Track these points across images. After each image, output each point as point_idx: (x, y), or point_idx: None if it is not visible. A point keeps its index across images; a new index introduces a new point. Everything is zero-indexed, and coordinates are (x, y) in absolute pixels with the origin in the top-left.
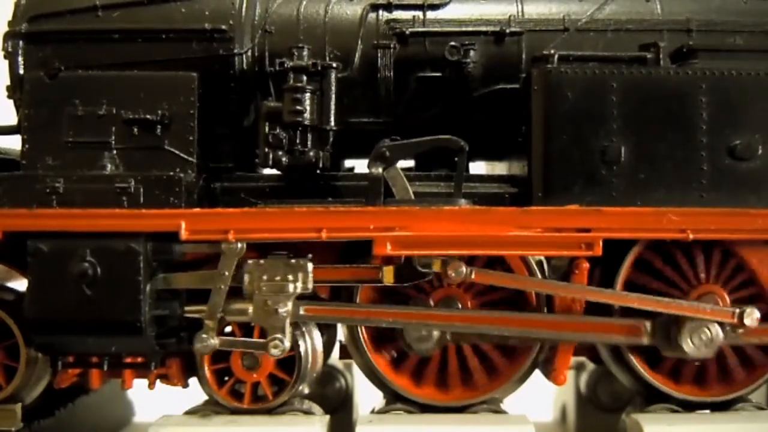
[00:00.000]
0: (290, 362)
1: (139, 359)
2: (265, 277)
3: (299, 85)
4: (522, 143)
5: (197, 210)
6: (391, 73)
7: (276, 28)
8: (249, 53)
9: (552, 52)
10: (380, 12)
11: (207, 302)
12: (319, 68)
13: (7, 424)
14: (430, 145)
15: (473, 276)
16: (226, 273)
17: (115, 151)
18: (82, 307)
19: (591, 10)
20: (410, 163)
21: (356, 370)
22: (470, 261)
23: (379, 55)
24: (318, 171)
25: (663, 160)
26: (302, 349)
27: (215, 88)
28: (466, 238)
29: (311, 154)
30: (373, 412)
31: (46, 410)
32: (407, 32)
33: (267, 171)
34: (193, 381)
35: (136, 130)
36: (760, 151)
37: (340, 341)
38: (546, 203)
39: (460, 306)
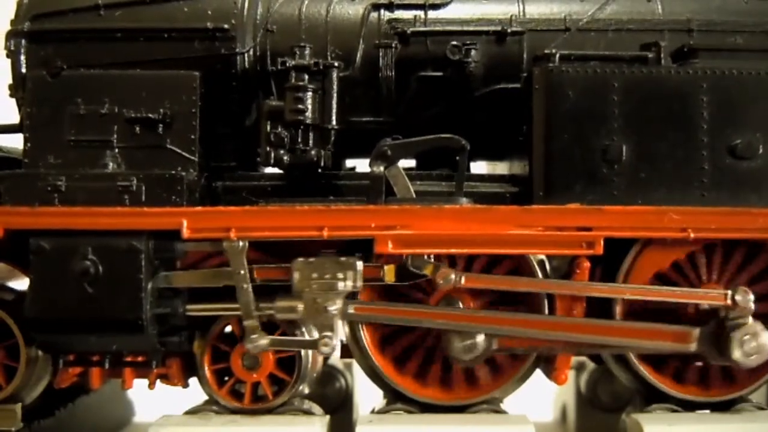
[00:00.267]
0: (290, 362)
1: (140, 358)
2: (314, 275)
3: (301, 84)
4: (523, 142)
5: (199, 208)
6: (393, 73)
7: (278, 28)
8: (251, 52)
9: (553, 51)
10: (382, 11)
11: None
12: (321, 67)
13: (7, 424)
14: (431, 144)
15: (463, 282)
16: (242, 271)
17: (117, 150)
18: (84, 304)
19: (592, 10)
20: (411, 162)
21: (356, 369)
22: (471, 260)
23: (380, 54)
24: (319, 170)
25: (664, 159)
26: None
27: (217, 87)
28: (467, 236)
29: (313, 153)
30: (373, 412)
31: (46, 410)
32: (409, 32)
33: (268, 170)
34: (193, 381)
35: (138, 128)
36: (760, 151)
37: (342, 341)
38: (547, 202)
39: (461, 305)
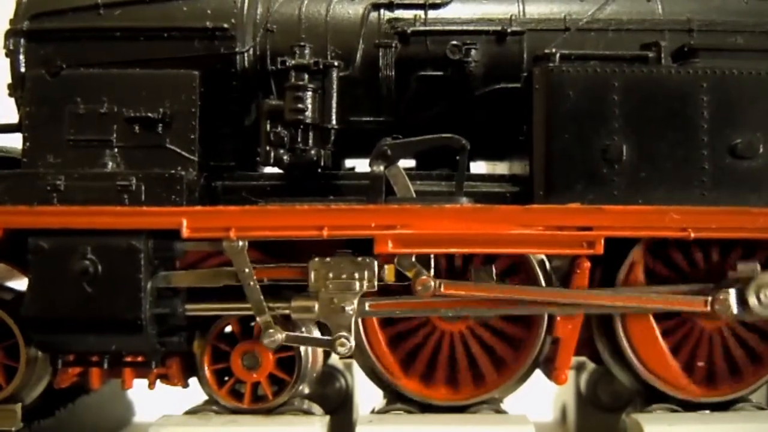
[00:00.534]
0: (290, 362)
1: (140, 358)
2: (331, 275)
3: (301, 83)
4: (523, 142)
5: (198, 208)
6: (393, 72)
7: (278, 27)
8: (251, 52)
9: (553, 51)
10: (382, 11)
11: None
12: (321, 67)
13: (7, 424)
14: (431, 143)
15: (442, 289)
16: (247, 270)
17: (116, 149)
18: (83, 304)
19: (592, 10)
20: (411, 162)
21: (357, 370)
22: (468, 259)
23: (380, 54)
24: (319, 169)
25: (664, 159)
26: (302, 349)
27: (217, 86)
28: (467, 236)
29: (312, 152)
30: (373, 412)
31: (46, 410)
32: (409, 31)
33: (268, 169)
34: (193, 381)
35: (137, 128)
36: (761, 150)
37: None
38: (547, 202)
39: None
